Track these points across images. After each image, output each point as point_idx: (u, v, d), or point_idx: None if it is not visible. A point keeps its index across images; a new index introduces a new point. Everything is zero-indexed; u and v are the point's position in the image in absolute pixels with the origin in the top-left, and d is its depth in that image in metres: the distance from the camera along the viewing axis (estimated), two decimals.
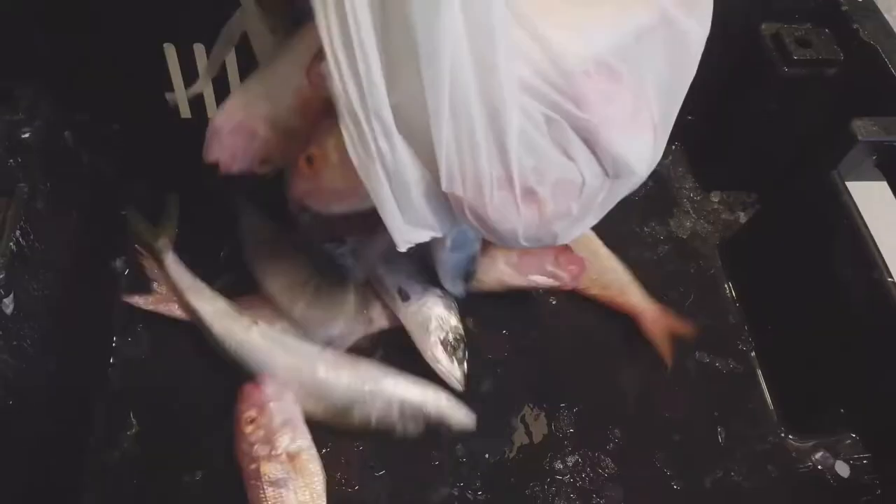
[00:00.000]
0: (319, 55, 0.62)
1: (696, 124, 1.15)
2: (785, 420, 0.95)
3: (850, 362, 0.87)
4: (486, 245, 0.89)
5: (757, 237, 1.06)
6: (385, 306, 0.95)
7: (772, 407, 0.96)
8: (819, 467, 0.92)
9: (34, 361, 0.77)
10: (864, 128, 0.85)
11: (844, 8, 0.98)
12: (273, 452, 0.79)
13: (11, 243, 0.74)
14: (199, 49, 0.95)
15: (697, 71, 0.65)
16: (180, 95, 1.01)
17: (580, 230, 0.68)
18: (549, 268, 0.93)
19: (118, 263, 0.99)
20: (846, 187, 0.87)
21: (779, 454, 0.93)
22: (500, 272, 0.94)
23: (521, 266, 0.94)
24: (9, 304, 0.72)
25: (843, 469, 0.92)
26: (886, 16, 0.97)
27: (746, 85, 1.06)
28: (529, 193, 0.61)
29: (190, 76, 0.98)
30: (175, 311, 0.94)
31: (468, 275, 0.89)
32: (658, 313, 0.99)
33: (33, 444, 0.77)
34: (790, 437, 0.94)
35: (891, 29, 0.96)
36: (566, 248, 0.94)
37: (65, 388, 0.83)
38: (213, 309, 0.91)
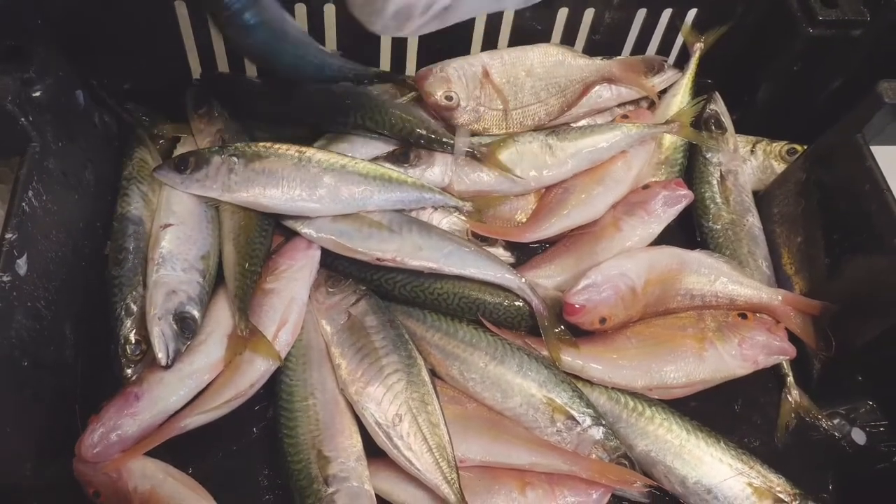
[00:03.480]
0: None
1: (714, 88, 1.13)
2: (801, 386, 0.94)
3: (869, 329, 0.86)
4: None
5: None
6: None
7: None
8: (835, 434, 0.92)
9: (48, 322, 0.77)
10: (891, 90, 0.83)
11: None
12: None
13: (24, 203, 0.73)
14: None
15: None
16: (192, 54, 1.00)
17: None
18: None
19: None
20: (871, 151, 0.85)
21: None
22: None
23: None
24: (22, 265, 0.72)
25: (859, 436, 0.91)
26: None
27: (769, 46, 1.03)
28: None
29: (201, 34, 0.97)
30: None
31: None
32: (790, 302, 0.94)
33: (48, 403, 0.78)
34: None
35: None
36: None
37: (79, 349, 0.83)
38: None
